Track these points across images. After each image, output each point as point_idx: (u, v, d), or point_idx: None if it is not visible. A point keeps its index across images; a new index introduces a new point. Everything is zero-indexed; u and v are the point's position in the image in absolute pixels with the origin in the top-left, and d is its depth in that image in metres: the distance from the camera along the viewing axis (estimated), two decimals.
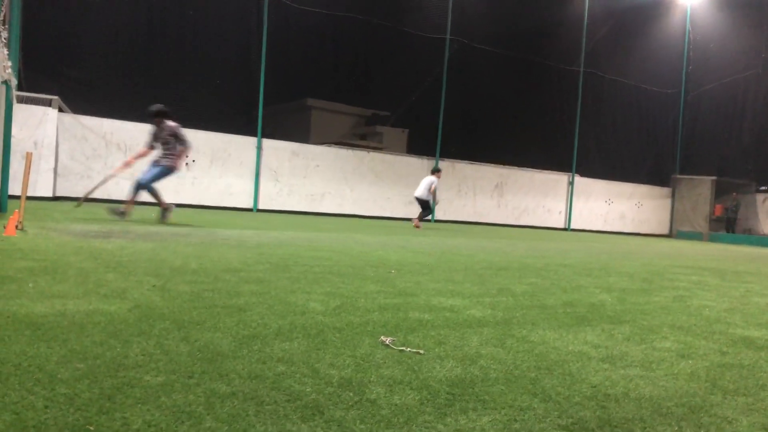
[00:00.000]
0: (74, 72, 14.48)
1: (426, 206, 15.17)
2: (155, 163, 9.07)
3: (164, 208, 9.03)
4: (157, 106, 9.08)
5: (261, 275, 4.14)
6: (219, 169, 15.82)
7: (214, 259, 4.87)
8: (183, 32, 15.74)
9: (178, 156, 9.18)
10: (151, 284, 3.47)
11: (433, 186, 14.98)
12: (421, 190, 15.04)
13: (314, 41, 17.85)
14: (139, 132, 14.58)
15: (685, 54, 24.68)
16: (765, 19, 22.22)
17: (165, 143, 9.05)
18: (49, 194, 13.37)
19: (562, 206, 22.15)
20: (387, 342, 2.48)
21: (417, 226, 14.26)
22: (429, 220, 15.70)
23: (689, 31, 24.60)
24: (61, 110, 13.78)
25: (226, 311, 2.87)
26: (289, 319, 2.80)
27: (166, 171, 9.10)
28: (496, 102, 20.67)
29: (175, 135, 9.09)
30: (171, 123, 9.08)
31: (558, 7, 21.73)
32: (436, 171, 15.31)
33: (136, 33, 15.31)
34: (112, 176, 10.43)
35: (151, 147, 9.13)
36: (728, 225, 23.48)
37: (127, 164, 9.42)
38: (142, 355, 2.07)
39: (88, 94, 14.38)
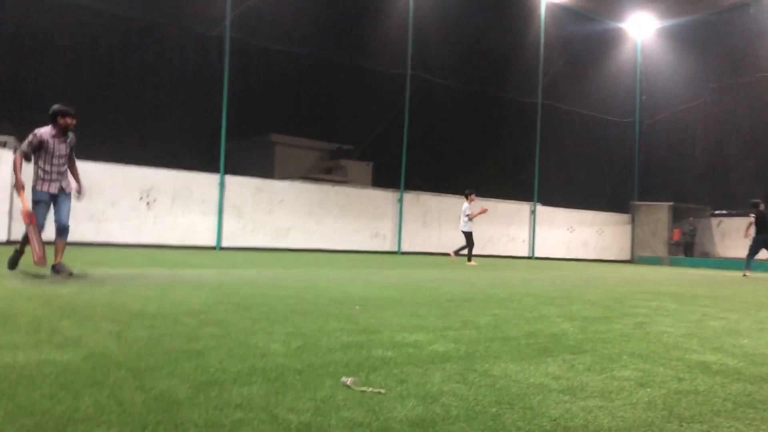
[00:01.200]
0: (31, 113, 14.22)
1: (468, 237, 15.14)
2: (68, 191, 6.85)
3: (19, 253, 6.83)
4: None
5: (222, 317, 4.08)
6: (181, 207, 15.62)
7: (173, 301, 4.78)
8: (144, 71, 15.66)
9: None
10: (107, 330, 3.39)
11: (468, 212, 15.01)
12: (461, 223, 15.17)
13: (277, 78, 17.93)
14: (99, 172, 14.35)
15: (638, 84, 25.54)
16: (710, 51, 23.18)
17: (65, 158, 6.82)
18: (3, 238, 13.00)
19: (525, 235, 22.43)
20: (348, 383, 2.45)
21: (453, 260, 14.24)
22: (463, 254, 15.57)
23: (640, 62, 25.51)
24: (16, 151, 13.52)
25: (184, 356, 2.81)
26: (248, 362, 2.76)
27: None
28: (458, 134, 20.99)
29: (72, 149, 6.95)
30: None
31: (515, 41, 22.33)
32: (467, 195, 15.31)
33: (96, 72, 15.16)
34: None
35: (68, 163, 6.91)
36: (686, 249, 24.06)
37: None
38: (94, 407, 2.01)
39: None
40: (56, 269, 6.53)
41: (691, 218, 23.91)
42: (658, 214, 24.30)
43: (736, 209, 22.65)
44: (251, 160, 21.90)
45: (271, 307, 4.70)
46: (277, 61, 17.41)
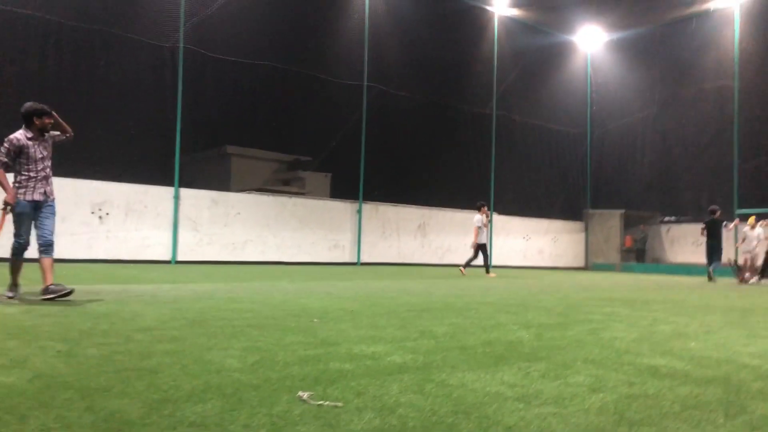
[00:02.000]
0: None
1: (482, 249, 15.24)
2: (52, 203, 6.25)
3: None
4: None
5: (176, 333, 4.00)
6: (135, 221, 15.28)
7: (126, 318, 4.67)
8: (95, 81, 15.30)
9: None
10: (55, 350, 3.28)
11: (479, 224, 15.13)
12: (474, 234, 15.31)
13: (232, 89, 17.76)
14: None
15: (589, 96, 26.25)
16: (656, 63, 24.02)
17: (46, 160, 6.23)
18: None
19: None
20: (305, 397, 2.44)
21: (462, 273, 14.50)
22: (472, 265, 15.51)
23: (591, 74, 26.24)
24: None
25: (136, 375, 2.75)
26: (203, 378, 2.71)
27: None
28: (415, 144, 21.16)
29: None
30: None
31: (469, 53, 22.70)
32: (480, 207, 15.36)
33: (46, 82, 14.73)
34: None
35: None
36: (638, 255, 24.73)
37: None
38: (41, 429, 1.94)
39: None
40: (51, 290, 5.87)
41: (642, 225, 24.62)
42: (611, 221, 24.93)
43: (683, 216, 23.44)
44: (207, 172, 21.60)
45: (227, 321, 4.63)
46: (233, 72, 17.26)
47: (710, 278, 15.55)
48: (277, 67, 18.08)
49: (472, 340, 4.10)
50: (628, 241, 24.84)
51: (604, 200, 25.65)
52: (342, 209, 19.30)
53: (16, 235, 6.01)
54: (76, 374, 2.72)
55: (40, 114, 6.11)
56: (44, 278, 5.98)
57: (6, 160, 5.95)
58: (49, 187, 6.19)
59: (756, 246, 15.53)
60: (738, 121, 21.21)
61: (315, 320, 4.87)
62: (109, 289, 7.26)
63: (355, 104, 19.63)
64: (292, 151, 23.81)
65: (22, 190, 5.97)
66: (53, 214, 6.22)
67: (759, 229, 15.62)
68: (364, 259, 19.48)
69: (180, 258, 15.84)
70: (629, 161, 24.90)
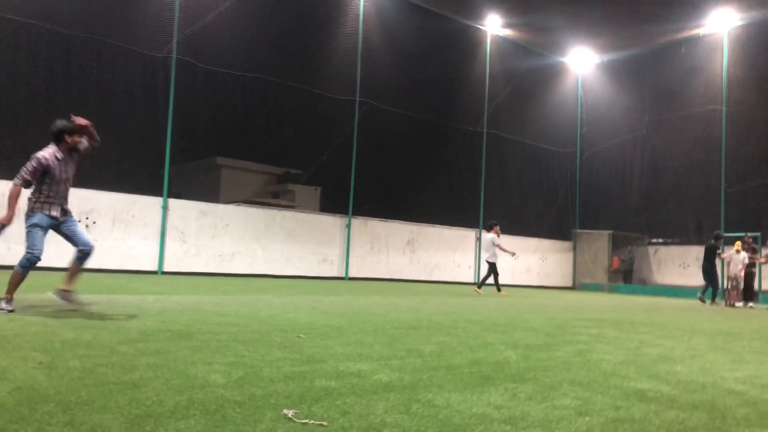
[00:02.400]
0: None
1: (494, 268, 15.24)
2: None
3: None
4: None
5: (160, 346, 3.95)
6: (122, 230, 15.16)
7: (110, 329, 4.61)
8: (87, 90, 15.23)
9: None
10: (37, 361, 3.23)
11: (496, 242, 15.15)
12: (486, 253, 15.31)
13: (224, 101, 17.75)
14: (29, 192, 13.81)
15: (579, 116, 26.51)
16: (646, 86, 24.34)
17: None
18: None
19: (471, 261, 22.71)
20: (290, 415, 2.41)
21: (478, 293, 14.54)
22: (491, 284, 15.63)
23: (581, 96, 26.51)
24: None
25: (118, 388, 2.71)
26: (187, 394, 2.67)
27: None
28: (405, 161, 21.23)
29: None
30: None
31: (461, 72, 22.87)
32: (492, 226, 15.39)
33: (34, 89, 14.66)
34: None
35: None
36: (625, 276, 24.85)
37: None
38: None
39: None
40: (67, 298, 5.98)
41: (629, 246, 24.76)
42: (599, 242, 25.05)
43: (671, 238, 23.60)
44: (196, 183, 21.54)
45: (213, 335, 4.59)
46: (225, 83, 17.27)
47: (702, 300, 15.76)
48: (269, 80, 18.11)
49: (459, 360, 4.08)
50: (616, 262, 24.96)
51: (592, 220, 25.81)
52: (331, 223, 19.26)
53: (31, 246, 5.86)
54: (57, 387, 2.68)
55: (71, 132, 6.00)
56: (71, 283, 6.08)
57: (29, 178, 5.81)
58: (67, 205, 6.15)
59: (741, 270, 15.66)
60: (725, 145, 21.47)
61: (301, 335, 4.83)
62: (94, 299, 7.18)
63: (347, 119, 19.68)
64: (283, 164, 23.81)
65: (39, 205, 5.89)
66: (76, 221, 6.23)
67: (743, 254, 15.76)
68: (353, 273, 19.42)
69: (167, 269, 15.72)
70: (618, 182, 25.11)
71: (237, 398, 2.65)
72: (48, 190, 5.88)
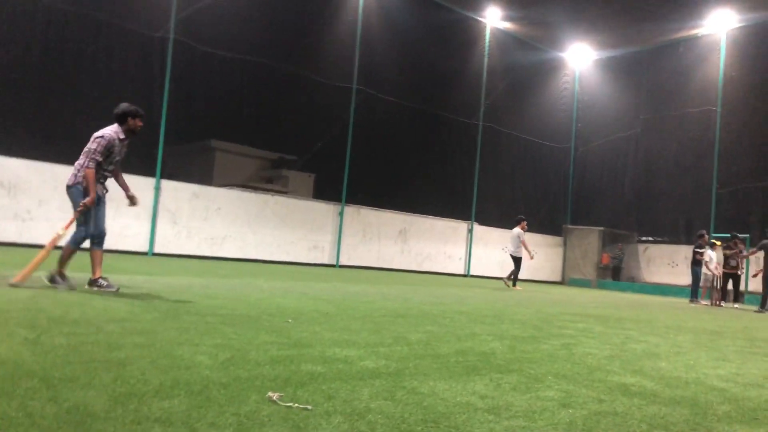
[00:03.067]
0: None
1: (518, 263, 15.35)
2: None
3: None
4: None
5: (148, 326, 3.94)
6: (113, 209, 15.00)
7: (98, 307, 4.60)
8: (81, 67, 15.09)
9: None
10: (22, 337, 3.22)
11: (521, 238, 15.23)
12: (512, 246, 15.34)
13: (220, 83, 17.62)
14: (26, 169, 13.73)
15: (575, 112, 26.51)
16: (642, 84, 24.36)
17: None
18: None
19: (462, 253, 22.77)
20: (274, 398, 2.41)
21: (507, 285, 14.71)
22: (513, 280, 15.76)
23: (577, 92, 26.51)
24: None
25: (103, 366, 2.70)
26: (172, 374, 2.67)
27: None
28: (400, 150, 21.19)
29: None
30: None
31: (459, 63, 22.80)
32: (520, 221, 15.41)
33: (29, 65, 14.50)
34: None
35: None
36: (614, 273, 24.97)
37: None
38: (1, 419, 1.90)
39: None
40: (99, 284, 5.98)
41: (619, 243, 24.86)
42: (589, 238, 25.15)
43: (661, 237, 23.72)
44: (190, 165, 21.41)
45: (201, 317, 4.58)
46: (222, 66, 17.14)
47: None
48: (266, 64, 17.99)
49: (446, 349, 4.10)
50: (605, 258, 25.07)
51: (583, 217, 25.89)
52: (324, 210, 19.23)
53: (84, 224, 6.03)
54: (42, 363, 2.67)
55: (135, 115, 6.20)
56: (95, 270, 6.07)
57: (100, 159, 6.04)
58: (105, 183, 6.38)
59: (716, 267, 15.89)
60: (719, 146, 21.55)
61: (289, 320, 4.84)
62: (83, 278, 7.14)
63: (343, 106, 19.60)
64: (277, 149, 23.68)
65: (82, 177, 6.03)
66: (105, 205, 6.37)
67: (714, 253, 16.01)
68: (343, 261, 19.43)
69: (157, 250, 15.67)
70: (610, 179, 25.19)
71: (222, 380, 2.65)
72: (103, 170, 6.16)
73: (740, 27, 21.42)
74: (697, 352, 5.17)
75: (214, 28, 16.92)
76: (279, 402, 2.37)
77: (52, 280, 5.90)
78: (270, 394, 2.47)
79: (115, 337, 3.43)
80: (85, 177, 5.94)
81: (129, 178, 14.65)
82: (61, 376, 2.48)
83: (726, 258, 15.35)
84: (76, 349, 3.03)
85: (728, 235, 16.55)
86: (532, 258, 16.21)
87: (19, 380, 2.36)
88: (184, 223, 16.21)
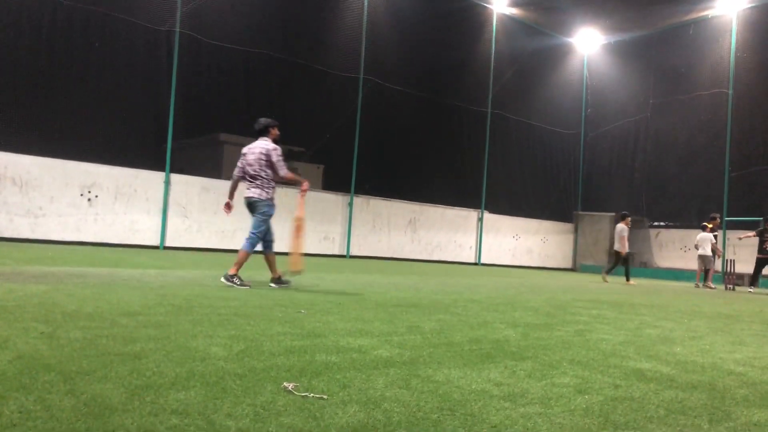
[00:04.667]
0: None
1: (618, 258, 15.45)
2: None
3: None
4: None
5: (161, 318, 3.96)
6: (124, 205, 15.16)
7: (111, 301, 4.63)
8: (89, 62, 15.12)
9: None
10: (38, 331, 3.24)
11: (622, 235, 15.26)
12: (616, 243, 15.45)
13: (227, 76, 17.62)
14: (37, 166, 13.81)
15: (584, 98, 26.30)
16: (652, 68, 24.10)
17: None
18: None
19: (472, 241, 22.72)
20: (290, 388, 2.42)
21: (606, 281, 14.81)
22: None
23: (587, 77, 26.28)
24: None
25: (119, 359, 2.72)
26: (187, 366, 2.68)
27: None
28: (409, 140, 21.13)
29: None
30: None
31: (467, 50, 22.66)
32: (624, 217, 15.46)
33: (37, 62, 14.55)
34: None
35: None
36: (626, 259, 24.79)
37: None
38: (20, 412, 1.91)
39: None
40: (282, 281, 7.23)
41: (631, 229, 24.69)
42: (600, 224, 25.02)
43: (673, 222, 23.54)
44: (198, 159, 21.46)
45: (214, 309, 4.60)
46: (228, 58, 17.13)
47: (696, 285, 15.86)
48: (273, 56, 17.96)
49: (459, 337, 4.09)
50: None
51: (594, 202, 25.75)
52: (333, 201, 19.24)
53: (265, 232, 7.37)
54: (59, 357, 2.68)
55: (275, 126, 7.31)
56: (275, 269, 7.35)
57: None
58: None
59: (710, 248, 15.92)
60: (731, 129, 21.32)
61: (302, 311, 4.84)
62: (96, 272, 7.19)
63: (351, 97, 19.55)
64: (285, 141, 23.64)
65: (271, 192, 7.23)
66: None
67: (708, 234, 16.03)
68: (354, 252, 19.45)
69: (168, 244, 15.75)
70: (621, 165, 25.00)
71: (237, 371, 2.66)
72: (272, 177, 7.25)
73: (751, 7, 21.10)
74: (713, 336, 5.14)
75: (219, 21, 16.90)
76: (294, 392, 2.37)
77: (229, 279, 6.83)
78: (285, 384, 2.47)
79: (129, 331, 3.45)
80: (286, 178, 7.20)
81: (139, 172, 14.83)
82: (78, 369, 2.49)
83: (762, 243, 15.16)
84: (91, 342, 3.05)
85: (744, 219, 16.42)
86: (624, 254, 15.93)
87: (37, 374, 2.37)
88: (194, 216, 16.27)
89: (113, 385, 2.30)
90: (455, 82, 22.30)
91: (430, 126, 21.66)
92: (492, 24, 23.13)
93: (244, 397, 2.26)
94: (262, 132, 7.15)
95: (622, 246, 15.51)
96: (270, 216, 7.20)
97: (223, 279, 6.84)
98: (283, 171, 7.09)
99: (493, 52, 23.09)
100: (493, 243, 23.15)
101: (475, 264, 22.56)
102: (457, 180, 22.39)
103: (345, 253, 19.24)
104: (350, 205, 19.38)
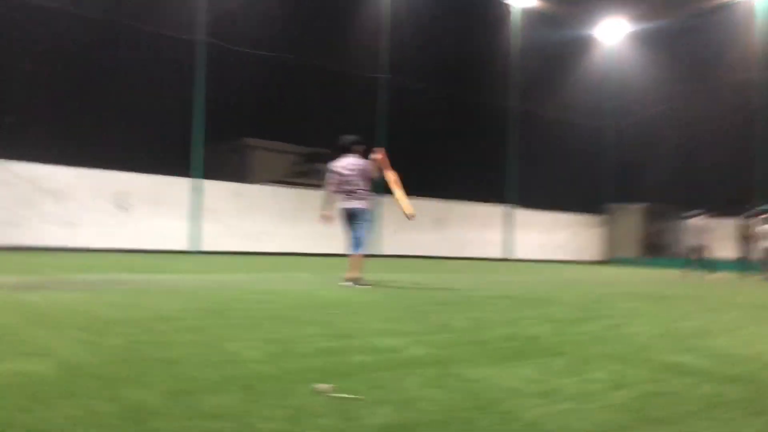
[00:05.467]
0: (1, 117, 13.96)
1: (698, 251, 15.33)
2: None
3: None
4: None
5: (196, 323, 4.03)
6: (156, 211, 15.44)
7: (148, 307, 4.72)
8: (117, 74, 15.46)
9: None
10: (79, 339, 3.33)
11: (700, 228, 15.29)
12: (697, 238, 15.51)
13: (252, 82, 17.83)
14: (72, 177, 14.15)
15: (609, 89, 25.92)
16: (679, 55, 23.65)
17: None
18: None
19: (501, 237, 22.59)
20: (324, 389, 2.44)
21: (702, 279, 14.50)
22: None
23: (611, 67, 25.89)
24: None
25: (157, 364, 2.78)
26: (223, 369, 2.73)
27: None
28: (433, 137, 21.09)
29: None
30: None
31: (489, 46, 22.54)
32: (700, 214, 15.53)
33: (69, 76, 14.93)
34: None
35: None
36: (659, 250, 24.43)
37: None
38: (66, 418, 1.97)
39: (17, 139, 13.87)
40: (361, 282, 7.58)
41: (664, 219, 24.30)
42: (632, 215, 24.66)
43: (704, 211, 23.05)
44: (227, 164, 21.75)
45: (247, 312, 4.66)
46: (253, 64, 17.34)
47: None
48: (296, 60, 18.11)
49: (492, 335, 4.08)
50: (650, 236, 24.55)
51: (624, 194, 25.38)
52: None
53: (367, 234, 7.90)
54: (100, 363, 2.76)
55: (360, 143, 7.98)
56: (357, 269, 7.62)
57: None
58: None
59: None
60: (760, 113, 20.81)
61: (333, 312, 4.88)
62: (131, 279, 7.34)
63: (373, 97, 19.61)
64: (311, 143, 23.86)
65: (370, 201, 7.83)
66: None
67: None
68: (383, 251, 19.48)
69: (201, 248, 15.99)
70: (650, 155, 24.60)
71: (272, 373, 2.70)
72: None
73: None
74: (752, 328, 5.03)
75: (243, 28, 17.13)
76: (328, 393, 2.40)
77: (355, 282, 7.45)
78: (319, 385, 2.50)
79: (166, 336, 3.51)
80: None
81: (170, 180, 15.04)
82: (119, 375, 2.55)
83: None
84: (130, 348, 3.12)
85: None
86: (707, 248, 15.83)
87: (80, 380, 2.44)
88: (225, 221, 16.50)
89: (152, 390, 2.35)
90: (478, 78, 22.21)
91: (455, 123, 21.60)
92: (513, 18, 22.95)
93: (279, 399, 2.30)
94: (346, 149, 7.84)
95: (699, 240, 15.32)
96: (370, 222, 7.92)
97: (348, 283, 7.43)
98: (386, 170, 7.94)
99: (515, 46, 22.91)
100: (523, 238, 22.99)
101: (506, 260, 22.42)
102: (484, 176, 22.29)
103: (374, 253, 19.28)
104: (377, 204, 19.41)
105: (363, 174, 7.70)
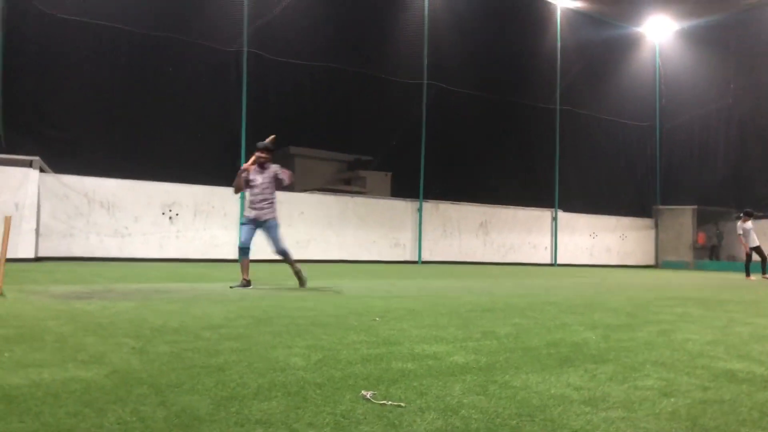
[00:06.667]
0: (55, 131, 14.52)
1: (760, 252, 15.28)
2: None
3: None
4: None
5: (242, 331, 4.10)
6: (203, 221, 15.78)
7: (195, 315, 4.83)
8: (163, 87, 15.89)
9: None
10: (130, 346, 3.43)
11: (737, 233, 15.34)
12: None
13: (294, 90, 18.07)
14: (121, 189, 14.60)
15: (657, 88, 25.32)
16: (730, 51, 22.94)
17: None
18: (31, 255, 13.23)
19: (547, 242, 22.26)
20: (368, 396, 2.46)
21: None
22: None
23: (659, 65, 25.29)
24: (42, 170, 13.76)
25: (205, 371, 2.84)
26: (269, 376, 2.77)
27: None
28: (476, 142, 20.97)
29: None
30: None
31: (531, 48, 22.29)
32: (744, 215, 15.35)
33: (116, 90, 15.42)
34: None
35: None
36: (712, 253, 23.68)
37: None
38: (118, 423, 2.03)
39: (69, 152, 14.39)
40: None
41: (716, 221, 23.55)
42: (682, 217, 23.98)
43: (762, 212, 22.25)
44: None
45: (292, 319, 4.72)
46: (295, 73, 17.58)
47: None
48: (337, 68, 18.29)
49: (536, 341, 4.03)
50: (701, 238, 23.82)
51: (674, 196, 24.69)
52: (402, 208, 19.33)
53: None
54: (149, 370, 2.83)
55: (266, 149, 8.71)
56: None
57: None
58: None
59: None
60: None
61: (377, 319, 4.89)
62: (179, 288, 7.52)
63: (415, 102, 19.62)
64: (353, 150, 24.02)
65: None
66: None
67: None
68: (425, 257, 19.44)
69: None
70: (701, 155, 23.89)
71: (317, 380, 2.73)
72: None
73: None
74: None
75: (284, 38, 17.39)
76: (373, 400, 2.41)
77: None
78: (363, 392, 2.51)
79: (213, 343, 3.59)
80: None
81: (215, 189, 15.50)
82: (167, 382, 2.62)
83: None
84: (178, 356, 3.20)
85: None
86: (748, 251, 15.50)
87: (131, 387, 2.52)
88: None
89: (200, 396, 2.40)
90: (521, 81, 21.99)
91: (497, 126, 21.43)
92: (556, 18, 22.67)
93: (324, 406, 2.32)
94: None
95: (742, 243, 15.08)
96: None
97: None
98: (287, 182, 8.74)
99: (558, 47, 22.61)
100: (569, 242, 22.60)
101: (551, 265, 22.07)
102: (528, 180, 22.01)
103: (416, 259, 19.27)
104: (419, 210, 19.40)
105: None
